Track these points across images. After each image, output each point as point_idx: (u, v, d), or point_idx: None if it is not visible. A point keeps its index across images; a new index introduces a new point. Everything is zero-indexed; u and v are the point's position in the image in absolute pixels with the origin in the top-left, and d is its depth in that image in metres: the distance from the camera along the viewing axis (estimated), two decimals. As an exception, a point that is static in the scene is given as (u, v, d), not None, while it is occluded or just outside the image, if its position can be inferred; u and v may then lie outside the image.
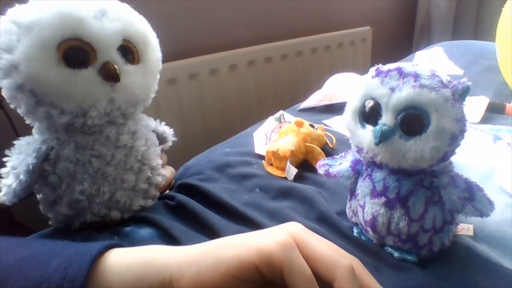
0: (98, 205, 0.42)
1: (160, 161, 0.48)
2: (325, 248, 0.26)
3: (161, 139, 0.49)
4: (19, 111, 0.39)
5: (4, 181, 0.38)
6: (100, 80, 0.38)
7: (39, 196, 0.43)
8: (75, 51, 0.37)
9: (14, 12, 0.37)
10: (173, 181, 0.55)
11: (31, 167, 0.38)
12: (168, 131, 0.50)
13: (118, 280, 0.26)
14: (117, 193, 0.42)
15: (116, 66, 0.39)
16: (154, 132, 0.48)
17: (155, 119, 0.50)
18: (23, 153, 0.39)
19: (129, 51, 0.41)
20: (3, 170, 0.39)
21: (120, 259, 0.28)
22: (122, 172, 0.42)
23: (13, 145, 0.40)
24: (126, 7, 0.42)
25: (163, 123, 0.50)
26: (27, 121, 0.41)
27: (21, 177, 0.37)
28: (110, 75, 0.38)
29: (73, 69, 0.37)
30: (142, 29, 0.43)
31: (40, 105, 0.38)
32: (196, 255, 0.27)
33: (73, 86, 0.37)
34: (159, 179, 0.48)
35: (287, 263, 0.25)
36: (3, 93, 0.38)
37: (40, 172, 0.40)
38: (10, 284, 0.25)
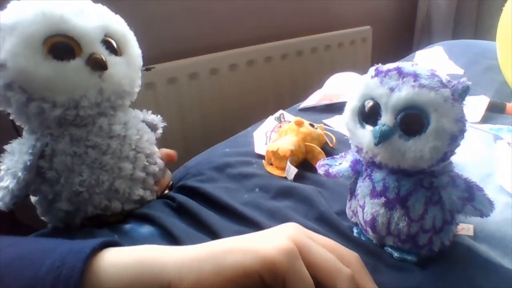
0: (99, 195, 0.42)
1: (156, 149, 0.49)
2: (327, 256, 0.27)
3: (152, 127, 0.50)
4: (9, 110, 0.40)
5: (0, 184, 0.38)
6: (88, 70, 0.39)
7: (35, 199, 0.43)
8: (61, 45, 0.38)
9: None
10: (171, 182, 0.55)
11: (28, 163, 0.38)
12: (156, 118, 0.51)
13: (114, 282, 0.26)
14: (116, 181, 0.43)
15: (102, 56, 0.40)
16: (144, 122, 0.49)
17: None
18: (16, 153, 0.39)
19: (111, 45, 0.42)
20: None
21: (116, 259, 0.27)
22: (119, 161, 0.43)
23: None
24: (103, 8, 0.44)
25: (150, 111, 0.51)
26: (18, 123, 0.41)
27: (19, 174, 0.37)
28: (98, 64, 0.39)
29: (61, 61, 0.38)
30: (121, 26, 0.44)
31: (31, 101, 0.38)
32: (196, 260, 0.27)
33: (62, 76, 0.38)
34: (156, 168, 0.48)
35: (290, 272, 0.26)
36: None
37: (37, 171, 0.40)
38: (4, 285, 0.25)
